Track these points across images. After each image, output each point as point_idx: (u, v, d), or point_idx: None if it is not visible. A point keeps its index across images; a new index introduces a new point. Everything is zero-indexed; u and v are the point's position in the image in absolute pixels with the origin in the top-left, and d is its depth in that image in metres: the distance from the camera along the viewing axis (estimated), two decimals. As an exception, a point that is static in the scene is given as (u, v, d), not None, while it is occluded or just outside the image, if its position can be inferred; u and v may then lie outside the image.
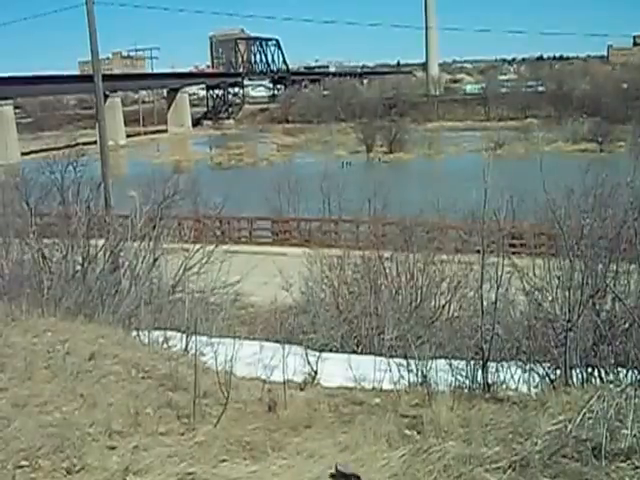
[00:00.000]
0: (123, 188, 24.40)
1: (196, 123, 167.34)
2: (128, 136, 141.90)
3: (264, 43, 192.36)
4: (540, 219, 25.89)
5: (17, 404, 7.03)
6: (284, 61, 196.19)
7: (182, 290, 17.64)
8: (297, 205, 49.12)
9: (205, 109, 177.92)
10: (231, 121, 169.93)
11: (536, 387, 8.59)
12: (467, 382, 8.49)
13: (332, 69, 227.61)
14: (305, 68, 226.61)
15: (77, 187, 19.67)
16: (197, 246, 21.06)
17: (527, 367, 8.95)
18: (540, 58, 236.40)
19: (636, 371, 7.91)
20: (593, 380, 8.51)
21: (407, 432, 6.62)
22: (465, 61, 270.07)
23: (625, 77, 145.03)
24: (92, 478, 5.75)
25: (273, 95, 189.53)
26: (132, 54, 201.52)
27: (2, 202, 19.43)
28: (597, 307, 9.26)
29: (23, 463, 5.89)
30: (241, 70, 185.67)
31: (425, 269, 19.99)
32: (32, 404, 7.05)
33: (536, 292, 10.19)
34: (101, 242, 16.69)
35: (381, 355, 11.39)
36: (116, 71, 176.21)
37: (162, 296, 16.64)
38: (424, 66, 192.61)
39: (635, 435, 5.49)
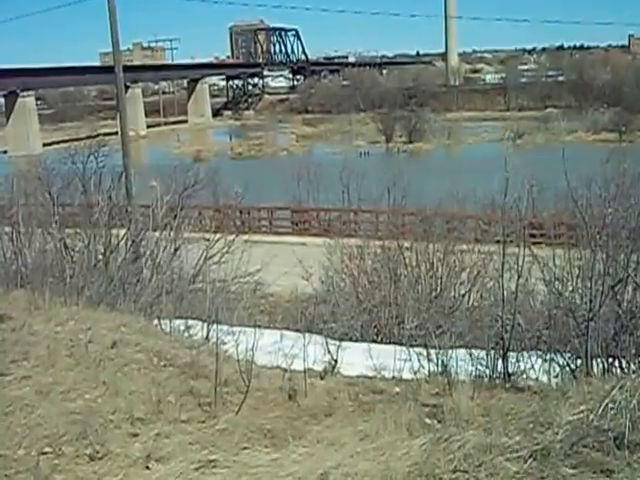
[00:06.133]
0: (144, 178, 24.46)
1: (216, 114, 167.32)
2: (149, 127, 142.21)
3: (283, 33, 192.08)
4: (560, 209, 25.88)
5: (41, 391, 7.08)
6: (303, 51, 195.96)
7: (203, 279, 17.69)
8: (316, 195, 48.98)
9: (225, 100, 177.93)
10: (251, 111, 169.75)
11: (557, 377, 8.59)
12: (487, 372, 8.50)
13: (351, 59, 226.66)
14: (324, 58, 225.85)
15: (99, 177, 19.74)
16: (217, 236, 21.08)
17: (547, 357, 8.94)
18: (560, 48, 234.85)
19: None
20: (614, 370, 8.50)
21: (427, 421, 6.63)
22: (485, 51, 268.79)
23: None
24: (115, 465, 5.79)
25: (293, 86, 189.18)
26: (152, 45, 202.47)
27: (25, 192, 19.52)
28: (618, 297, 9.24)
29: (47, 449, 5.94)
30: (261, 61, 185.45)
31: (445, 259, 19.99)
32: (55, 391, 7.10)
33: (556, 282, 10.17)
34: (123, 232, 16.75)
35: (401, 344, 11.38)
36: (136, 62, 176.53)
37: (183, 285, 16.71)
38: (444, 56, 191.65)
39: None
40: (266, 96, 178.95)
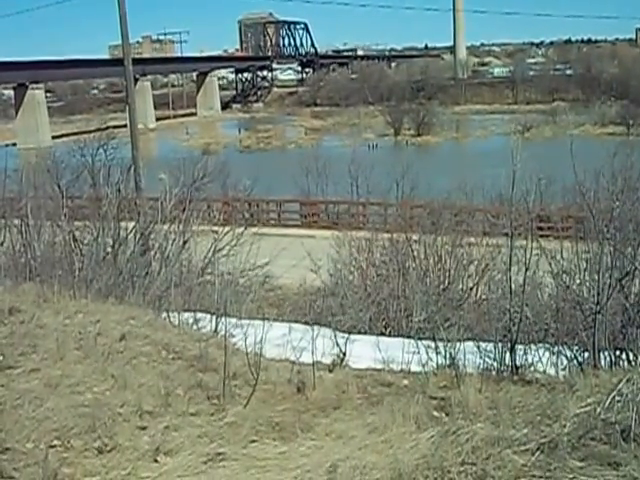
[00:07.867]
0: (153, 171, 24.46)
1: (225, 106, 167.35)
2: (158, 119, 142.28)
3: (292, 27, 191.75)
4: (568, 202, 25.85)
5: (49, 384, 7.10)
6: (312, 45, 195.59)
7: (211, 272, 17.70)
8: (325, 188, 48.88)
9: (234, 92, 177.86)
10: (260, 104, 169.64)
11: (564, 370, 8.59)
12: (495, 364, 8.51)
13: (360, 52, 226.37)
14: (333, 51, 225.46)
15: (107, 170, 19.75)
16: (226, 228, 21.08)
17: (555, 350, 8.94)
18: (568, 41, 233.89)
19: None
20: (622, 363, 8.51)
21: (435, 414, 6.65)
22: (493, 44, 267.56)
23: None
24: (123, 458, 5.81)
25: (301, 79, 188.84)
26: (162, 38, 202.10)
27: (34, 185, 19.54)
28: (626, 290, 9.24)
29: (55, 443, 5.96)
30: (270, 54, 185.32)
31: (453, 252, 20.02)
32: (64, 384, 7.12)
33: (564, 275, 10.17)
34: (131, 224, 16.75)
35: (409, 337, 11.40)
36: (146, 55, 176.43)
37: (192, 278, 16.73)
38: (452, 49, 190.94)
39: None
40: (275, 89, 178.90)
